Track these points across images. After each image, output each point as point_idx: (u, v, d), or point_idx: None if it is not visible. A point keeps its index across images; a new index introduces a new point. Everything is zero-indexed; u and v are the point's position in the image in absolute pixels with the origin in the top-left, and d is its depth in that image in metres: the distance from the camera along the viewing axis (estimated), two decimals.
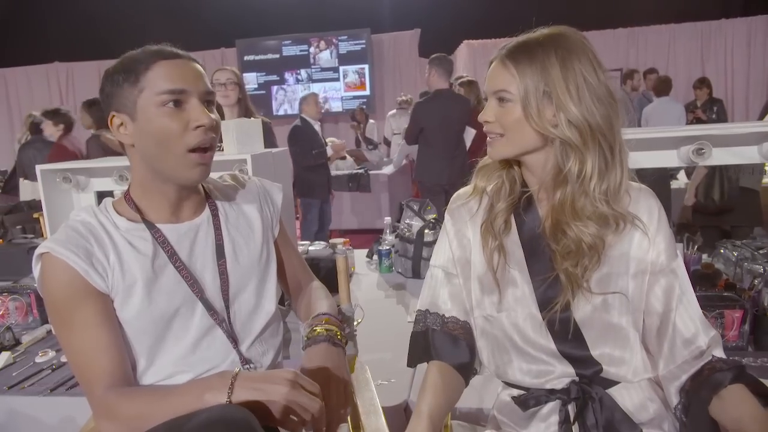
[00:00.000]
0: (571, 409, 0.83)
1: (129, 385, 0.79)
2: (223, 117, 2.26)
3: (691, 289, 0.84)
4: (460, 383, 0.88)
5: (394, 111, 5.67)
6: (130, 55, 0.80)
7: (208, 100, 0.82)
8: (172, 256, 0.84)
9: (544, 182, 0.84)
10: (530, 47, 0.78)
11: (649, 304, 0.83)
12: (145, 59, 0.78)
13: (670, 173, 3.40)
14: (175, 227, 0.86)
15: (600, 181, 0.78)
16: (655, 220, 0.83)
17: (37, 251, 0.80)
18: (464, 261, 0.90)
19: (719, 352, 0.80)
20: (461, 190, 0.94)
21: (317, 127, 3.88)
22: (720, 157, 1.57)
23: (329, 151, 4.09)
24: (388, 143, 5.89)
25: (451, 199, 0.95)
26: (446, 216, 0.94)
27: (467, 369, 0.89)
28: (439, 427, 0.79)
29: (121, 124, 0.81)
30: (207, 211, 0.90)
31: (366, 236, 4.21)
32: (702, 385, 0.77)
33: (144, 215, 0.85)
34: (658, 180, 2.96)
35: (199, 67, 0.82)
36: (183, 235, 0.86)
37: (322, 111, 4.24)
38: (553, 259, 0.81)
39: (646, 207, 0.84)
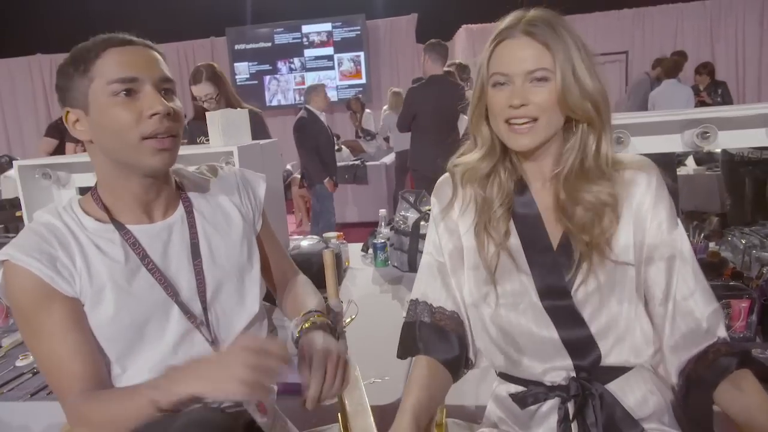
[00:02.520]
0: (571, 407, 0.81)
1: (103, 388, 0.76)
2: (206, 110, 2.19)
3: (694, 260, 0.82)
4: (447, 379, 0.87)
5: (387, 111, 5.51)
6: (81, 46, 0.76)
7: (165, 88, 0.78)
8: (144, 258, 0.80)
9: (543, 167, 0.82)
10: (545, 20, 0.75)
11: (649, 276, 0.81)
12: (94, 47, 0.75)
13: (677, 158, 3.32)
14: (146, 228, 0.82)
15: (610, 149, 0.80)
16: (654, 189, 0.81)
17: None
18: (452, 249, 0.88)
19: (722, 331, 0.79)
20: (444, 176, 0.91)
21: (323, 118, 3.80)
22: (726, 140, 1.52)
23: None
24: (387, 139, 5.79)
25: (436, 184, 0.92)
26: (432, 200, 0.91)
27: (456, 364, 0.87)
28: (424, 423, 0.78)
29: (77, 120, 0.77)
30: (181, 209, 0.86)
31: (364, 229, 4.15)
32: (707, 370, 0.76)
33: (113, 215, 0.81)
34: (664, 166, 2.87)
35: (154, 53, 0.79)
36: (155, 236, 0.82)
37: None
38: (570, 235, 0.80)
39: (645, 177, 0.81)
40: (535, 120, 0.76)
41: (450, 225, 0.88)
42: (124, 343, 0.79)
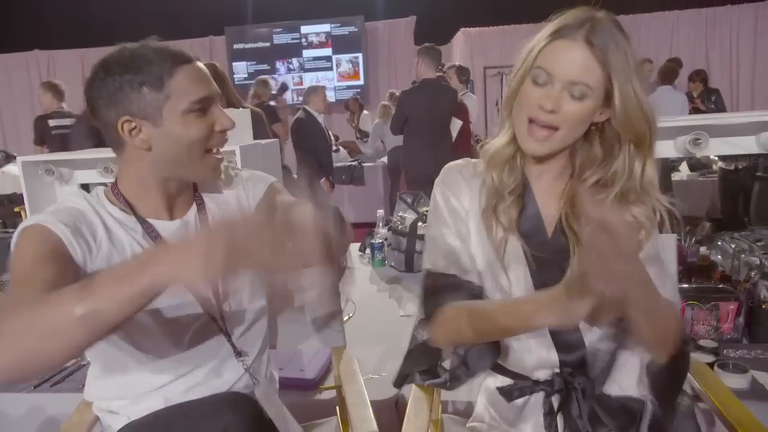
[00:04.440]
0: (555, 400, 0.83)
1: None
2: None
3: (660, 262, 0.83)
4: None
5: (377, 120, 5.47)
6: (140, 54, 0.76)
7: (218, 102, 0.84)
8: None
9: (547, 169, 0.83)
10: (611, 33, 0.72)
11: None
12: (162, 62, 0.76)
13: (671, 165, 3.37)
14: (166, 224, 0.86)
15: (654, 172, 0.79)
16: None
17: (21, 226, 0.75)
18: (464, 229, 0.87)
19: None
20: (452, 163, 0.91)
21: (321, 119, 3.83)
22: (717, 147, 1.55)
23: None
24: (383, 141, 5.80)
25: (443, 171, 0.91)
26: (438, 184, 0.89)
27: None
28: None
29: (135, 128, 0.78)
30: (194, 207, 0.90)
31: (360, 230, 4.17)
32: None
33: (135, 209, 0.84)
34: (660, 170, 2.90)
35: (205, 68, 0.83)
36: (174, 231, 0.86)
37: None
38: (577, 241, 0.80)
39: None
40: (555, 129, 0.75)
41: (458, 209, 0.86)
42: (140, 330, 0.80)
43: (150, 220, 0.84)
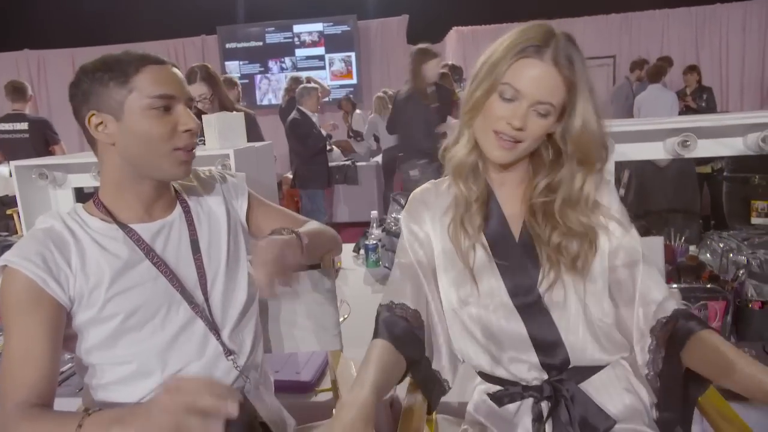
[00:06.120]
0: (545, 406, 0.84)
1: (47, 402, 0.76)
2: (201, 113, 2.20)
3: (649, 258, 0.87)
4: (401, 365, 0.83)
5: (372, 114, 5.49)
6: (114, 56, 0.82)
7: (190, 106, 0.86)
8: (149, 252, 0.85)
9: (507, 177, 0.87)
10: (573, 54, 0.76)
11: (614, 278, 0.86)
12: (133, 61, 0.80)
13: (693, 165, 3.19)
14: (147, 226, 0.87)
15: (592, 190, 0.83)
16: (613, 205, 0.86)
17: None
18: (422, 257, 0.90)
19: (678, 305, 0.83)
20: (417, 190, 0.95)
21: (315, 119, 3.83)
22: (706, 148, 1.58)
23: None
24: (377, 139, 5.81)
25: (410, 198, 0.95)
26: (403, 214, 0.94)
27: (408, 345, 0.84)
28: (381, 398, 0.74)
29: (101, 123, 0.81)
30: (179, 208, 0.92)
31: (355, 229, 4.19)
32: (672, 335, 0.79)
33: (115, 217, 0.86)
34: (689, 174, 2.70)
35: (180, 73, 0.86)
36: (156, 233, 0.88)
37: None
38: (544, 244, 0.83)
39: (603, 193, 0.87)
40: (518, 142, 0.78)
41: (419, 235, 0.90)
42: (125, 333, 0.82)
43: (131, 225, 0.86)
